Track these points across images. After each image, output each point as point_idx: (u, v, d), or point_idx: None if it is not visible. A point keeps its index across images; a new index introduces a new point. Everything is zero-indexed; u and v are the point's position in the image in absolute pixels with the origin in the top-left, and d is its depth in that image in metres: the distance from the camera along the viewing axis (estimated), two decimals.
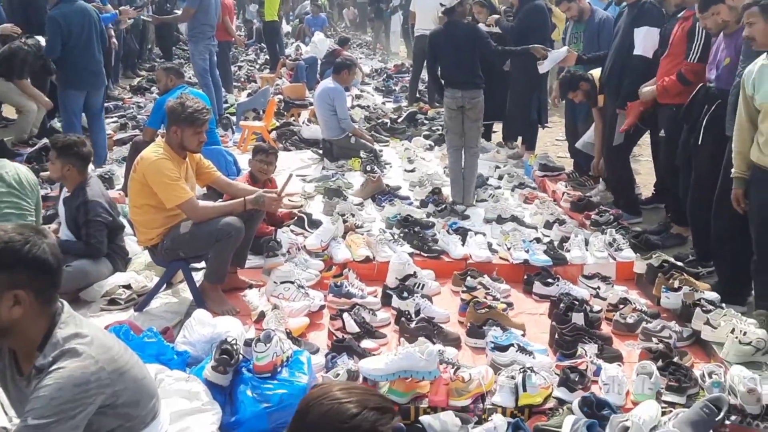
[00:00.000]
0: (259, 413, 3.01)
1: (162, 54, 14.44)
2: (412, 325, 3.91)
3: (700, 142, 4.70)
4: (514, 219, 5.68)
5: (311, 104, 9.50)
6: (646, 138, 6.44)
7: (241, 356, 3.24)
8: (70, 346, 2.06)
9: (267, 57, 14.78)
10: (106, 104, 8.41)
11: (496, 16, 7.83)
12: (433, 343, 3.54)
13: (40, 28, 7.93)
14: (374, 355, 3.61)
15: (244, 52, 17.16)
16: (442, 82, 6.26)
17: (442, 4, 6.08)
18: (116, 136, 8.21)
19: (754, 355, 3.59)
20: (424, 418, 2.95)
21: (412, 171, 7.19)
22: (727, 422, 3.02)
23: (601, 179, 6.65)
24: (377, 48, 19.69)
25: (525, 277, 4.71)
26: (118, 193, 5.87)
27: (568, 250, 4.99)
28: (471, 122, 6.14)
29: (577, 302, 4.15)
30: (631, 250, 5.01)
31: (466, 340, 3.93)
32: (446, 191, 6.36)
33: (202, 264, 4.35)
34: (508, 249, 4.98)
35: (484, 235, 5.29)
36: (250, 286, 4.50)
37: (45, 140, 7.42)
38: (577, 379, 3.36)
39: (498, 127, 8.71)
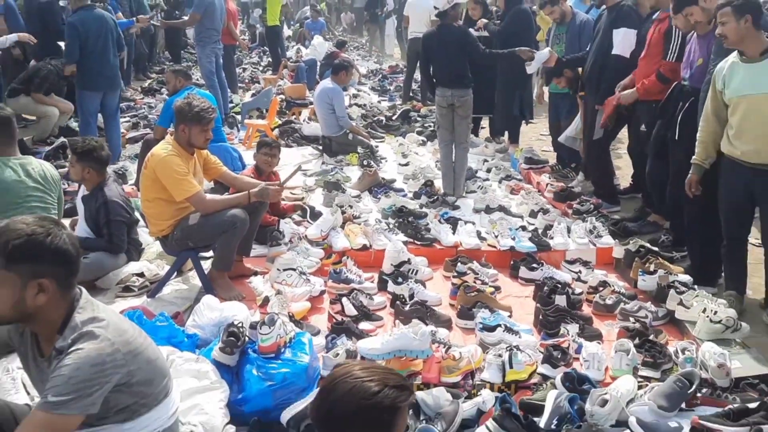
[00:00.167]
0: (264, 391, 3.01)
1: (171, 57, 14.34)
2: (407, 308, 3.93)
3: (677, 137, 4.71)
4: (502, 209, 5.69)
5: (311, 103, 9.46)
6: (624, 132, 6.43)
7: (247, 338, 3.24)
8: (88, 329, 2.08)
9: (269, 59, 14.70)
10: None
11: (485, 21, 7.81)
12: (426, 325, 3.55)
13: (57, 34, 7.92)
14: (371, 336, 3.63)
15: (248, 55, 17.07)
16: (434, 81, 6.26)
17: (436, 8, 6.06)
18: (129, 135, 8.18)
19: (723, 333, 3.61)
20: (418, 394, 2.96)
21: (406, 165, 7.17)
22: (699, 395, 3.05)
23: (580, 171, 6.66)
24: (373, 50, 19.59)
25: (511, 262, 4.72)
26: (131, 188, 5.87)
27: (552, 237, 4.99)
28: (460, 119, 6.13)
29: (559, 285, 4.16)
30: (610, 236, 5.02)
31: (457, 321, 3.95)
32: (438, 183, 6.36)
33: (210, 253, 4.35)
34: (496, 237, 4.98)
35: (474, 224, 5.29)
36: (255, 273, 4.50)
37: (62, 139, 7.41)
38: (559, 357, 3.38)
39: (486, 123, 8.71)
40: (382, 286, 4.35)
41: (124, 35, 7.70)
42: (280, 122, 9.08)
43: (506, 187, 6.49)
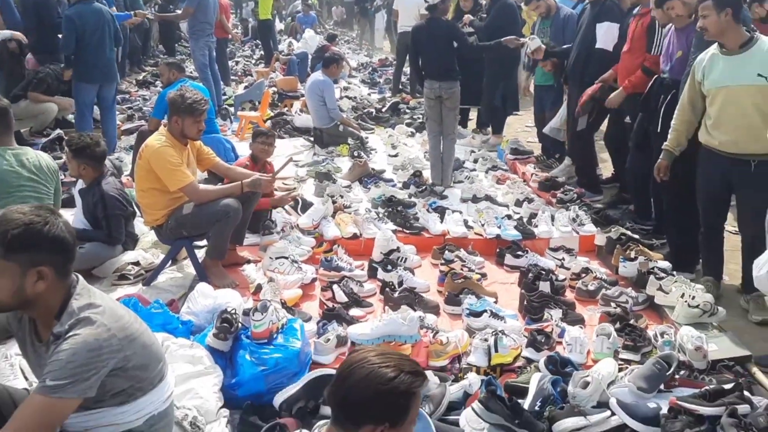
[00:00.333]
0: (257, 375, 3.02)
1: (165, 50, 14.25)
2: (396, 294, 3.93)
3: (659, 130, 4.72)
4: (488, 198, 5.70)
5: (303, 95, 9.43)
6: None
7: (240, 324, 3.25)
8: (85, 315, 2.07)
9: (262, 53, 14.63)
10: None
11: (471, 17, 7.80)
12: (415, 311, 3.57)
13: (52, 29, 7.85)
14: (361, 322, 3.64)
15: (241, 48, 16.96)
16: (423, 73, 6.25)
17: (426, 1, 6.04)
18: (124, 127, 8.12)
19: (701, 317, 3.65)
20: None
21: (396, 156, 7.17)
22: (677, 376, 3.06)
23: (564, 159, 6.69)
24: (363, 44, 19.52)
25: (497, 250, 4.73)
26: (127, 179, 5.83)
27: (536, 226, 5.01)
28: (448, 111, 6.12)
29: (543, 272, 4.18)
30: (593, 224, 5.04)
31: (444, 307, 3.96)
32: (426, 174, 6.36)
33: (204, 242, 4.34)
34: (482, 225, 4.99)
35: (461, 213, 5.30)
36: (248, 262, 4.49)
37: (59, 131, 7.36)
38: (543, 341, 3.40)
39: (473, 115, 8.71)
40: (372, 273, 4.36)
41: (120, 28, 7.63)
42: (272, 114, 9.04)
43: (492, 177, 6.51)
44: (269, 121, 8.57)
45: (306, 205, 5.35)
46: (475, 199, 5.68)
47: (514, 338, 3.40)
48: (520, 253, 4.60)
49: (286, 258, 4.30)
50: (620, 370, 3.15)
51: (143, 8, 11.81)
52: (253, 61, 14.84)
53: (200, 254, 4.35)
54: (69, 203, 5.14)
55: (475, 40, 6.81)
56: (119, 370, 2.10)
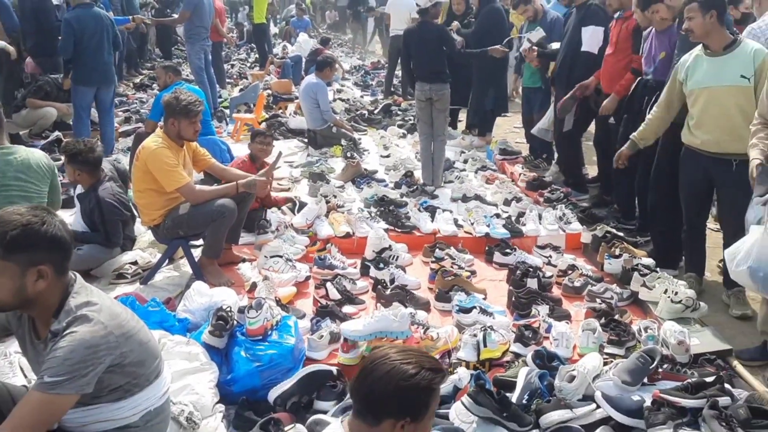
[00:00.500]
0: (252, 371, 3.02)
1: (162, 54, 14.19)
2: (388, 292, 3.94)
3: None
4: (477, 197, 5.70)
5: (297, 98, 9.42)
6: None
7: (235, 322, 3.25)
8: (82, 312, 2.07)
9: (257, 56, 14.59)
10: None
11: (457, 24, 7.82)
12: (406, 307, 3.56)
13: (51, 32, 7.81)
14: (354, 318, 3.63)
15: (236, 51, 16.91)
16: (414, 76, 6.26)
17: (418, 5, 6.06)
18: (121, 129, 8.09)
19: (683, 312, 3.67)
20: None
21: (388, 156, 7.17)
22: (660, 370, 3.08)
23: (553, 161, 6.71)
24: (356, 47, 19.51)
25: (486, 248, 4.74)
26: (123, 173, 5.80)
27: (524, 224, 5.03)
28: (438, 112, 6.13)
29: (531, 269, 4.20)
30: (579, 223, 5.05)
31: (435, 304, 3.97)
32: (418, 174, 6.36)
33: (200, 241, 4.33)
34: (472, 224, 5.00)
35: (451, 212, 5.31)
36: (244, 260, 4.49)
37: (57, 133, 7.33)
38: (530, 336, 3.41)
39: (463, 116, 8.72)
40: (365, 271, 4.36)
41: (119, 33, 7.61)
42: (267, 116, 9.03)
43: (482, 177, 6.51)
44: (264, 123, 8.56)
45: (300, 205, 5.36)
46: (465, 199, 5.69)
47: (503, 333, 3.41)
48: (508, 250, 4.61)
49: (281, 257, 4.30)
50: (605, 364, 3.17)
51: (139, 12, 11.77)
52: (249, 65, 14.80)
53: (196, 253, 4.34)
54: (68, 204, 5.12)
55: (462, 42, 6.83)
56: (116, 366, 2.10)
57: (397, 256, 4.50)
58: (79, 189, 4.54)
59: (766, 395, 3.05)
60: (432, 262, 4.47)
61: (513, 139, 8.06)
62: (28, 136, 7.48)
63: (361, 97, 11.32)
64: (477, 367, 3.23)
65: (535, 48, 6.33)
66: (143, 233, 4.74)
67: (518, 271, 4.17)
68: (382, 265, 4.30)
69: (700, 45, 3.89)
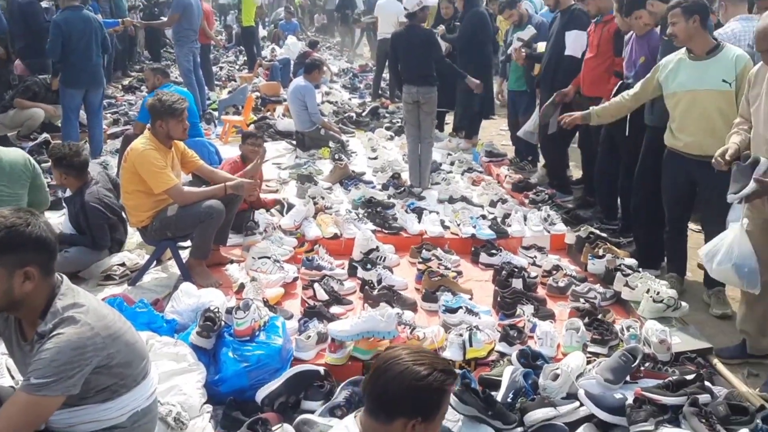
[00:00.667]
0: (240, 372, 3.01)
1: (151, 56, 14.11)
2: (375, 292, 3.94)
3: (626, 134, 4.77)
4: (464, 199, 5.72)
5: (285, 100, 9.38)
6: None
7: (223, 322, 3.23)
8: (69, 314, 2.05)
9: (245, 58, 14.54)
10: None
11: (442, 29, 7.84)
12: (393, 308, 3.56)
13: (39, 34, 7.75)
14: (341, 319, 3.62)
15: (225, 54, 16.85)
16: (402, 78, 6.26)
17: (405, 9, 6.06)
18: (110, 131, 8.04)
19: (665, 312, 3.70)
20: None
21: (375, 158, 7.17)
22: (642, 368, 3.10)
23: (538, 164, 6.74)
24: (344, 50, 19.49)
25: (472, 249, 4.76)
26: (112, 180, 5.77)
27: (510, 225, 5.04)
28: (425, 115, 6.14)
29: (516, 269, 4.21)
30: (563, 224, 5.08)
31: (422, 304, 3.97)
32: (405, 176, 6.36)
33: (188, 242, 4.31)
34: (458, 225, 5.01)
35: (438, 213, 5.33)
36: (231, 261, 4.47)
37: (45, 135, 7.28)
38: (515, 335, 3.42)
39: (450, 119, 8.74)
40: (352, 272, 4.36)
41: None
42: (255, 118, 9.00)
43: (468, 179, 6.52)
44: (252, 125, 8.53)
45: (288, 207, 5.35)
46: (452, 200, 5.70)
47: (488, 333, 3.42)
48: (494, 251, 4.62)
49: (269, 258, 4.28)
50: (588, 362, 3.19)
51: (127, 15, 11.71)
52: (237, 67, 14.75)
53: (184, 255, 4.31)
54: (57, 206, 5.08)
55: (449, 48, 6.84)
56: (103, 367, 2.08)
57: (385, 257, 4.50)
58: (68, 192, 4.50)
59: (745, 393, 3.08)
60: (419, 262, 4.47)
61: (499, 142, 8.08)
62: (16, 138, 7.41)
63: (349, 99, 11.30)
64: (463, 366, 3.23)
65: (524, 50, 6.35)
66: (131, 234, 4.70)
67: (504, 272, 4.18)
68: (369, 266, 4.29)
69: (684, 48, 3.91)
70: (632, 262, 4.28)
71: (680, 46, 3.94)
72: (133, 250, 4.57)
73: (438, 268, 4.31)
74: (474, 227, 4.92)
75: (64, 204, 4.49)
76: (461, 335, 3.31)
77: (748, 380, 3.30)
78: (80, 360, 2.00)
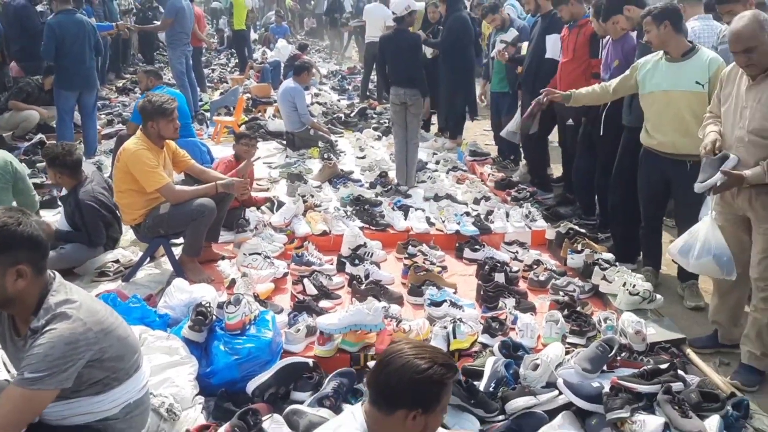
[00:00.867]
0: (231, 364, 3.01)
1: (144, 59, 14.01)
2: (363, 287, 3.94)
3: (602, 134, 4.80)
4: (448, 197, 5.72)
5: (275, 101, 9.36)
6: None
7: (214, 317, 3.22)
8: (61, 310, 2.04)
9: (237, 61, 14.47)
10: None
11: (423, 35, 7.84)
12: (379, 302, 3.57)
13: (35, 36, 7.67)
14: (330, 312, 3.62)
15: (217, 56, 16.76)
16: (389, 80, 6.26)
17: (394, 13, 6.06)
18: (104, 131, 7.98)
19: (641, 304, 3.74)
20: (373, 364, 2.98)
21: (363, 158, 7.17)
22: (618, 358, 3.12)
23: (520, 162, 6.76)
24: (333, 53, 19.45)
25: (457, 244, 4.76)
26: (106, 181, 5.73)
27: (492, 222, 5.05)
28: (412, 116, 6.13)
29: (499, 264, 4.23)
30: (544, 220, 5.11)
31: (408, 298, 3.98)
32: (392, 175, 6.36)
33: (181, 240, 4.29)
34: (443, 222, 5.03)
35: (423, 210, 5.33)
36: (223, 258, 4.45)
37: (40, 136, 7.21)
38: (497, 327, 3.44)
39: (435, 119, 8.75)
40: (341, 267, 4.36)
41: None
42: (246, 119, 8.96)
43: (453, 178, 6.54)
44: (243, 126, 8.49)
45: (278, 204, 5.34)
46: (437, 198, 5.71)
47: (471, 325, 3.43)
48: (477, 247, 4.64)
49: (259, 254, 4.27)
50: (567, 353, 3.21)
51: (118, 19, 11.63)
52: (229, 69, 14.67)
53: (177, 251, 4.30)
54: (52, 204, 5.04)
55: (435, 53, 6.85)
56: (95, 361, 2.08)
57: (372, 253, 4.50)
58: (64, 191, 4.46)
59: (716, 380, 3.12)
60: (405, 258, 4.47)
61: (482, 142, 8.11)
62: (11, 139, 7.34)
63: (338, 100, 11.29)
64: None
65: (509, 49, 6.39)
66: (125, 232, 4.67)
67: (486, 266, 4.20)
68: (357, 262, 4.29)
69: (662, 52, 3.93)
70: (609, 256, 4.31)
71: (656, 50, 3.97)
72: (127, 247, 4.54)
73: (423, 263, 4.31)
74: (458, 224, 4.93)
75: (59, 202, 4.45)
76: (445, 327, 3.33)
77: (719, 369, 3.34)
78: (73, 354, 1.99)
